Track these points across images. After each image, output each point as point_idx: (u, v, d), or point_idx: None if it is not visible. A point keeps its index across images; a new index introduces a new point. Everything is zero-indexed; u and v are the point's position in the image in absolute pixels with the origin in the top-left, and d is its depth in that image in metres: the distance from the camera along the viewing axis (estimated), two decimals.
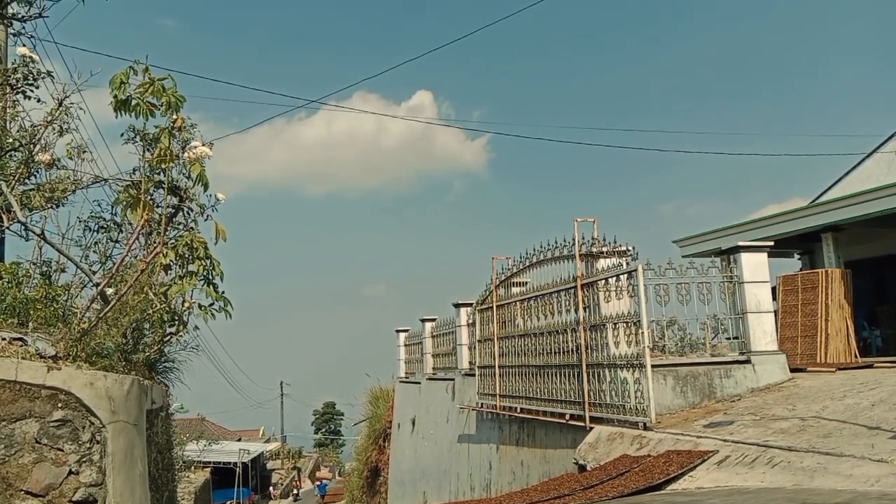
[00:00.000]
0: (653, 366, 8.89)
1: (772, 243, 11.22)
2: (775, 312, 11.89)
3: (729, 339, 10.55)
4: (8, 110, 5.95)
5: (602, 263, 10.12)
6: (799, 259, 18.87)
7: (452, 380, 16.68)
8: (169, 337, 5.85)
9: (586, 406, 9.83)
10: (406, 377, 21.48)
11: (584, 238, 10.42)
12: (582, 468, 8.94)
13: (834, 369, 11.44)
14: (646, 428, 8.62)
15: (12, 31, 7.13)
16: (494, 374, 13.21)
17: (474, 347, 14.79)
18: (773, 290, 11.83)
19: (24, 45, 6.67)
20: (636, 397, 8.90)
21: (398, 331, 22.36)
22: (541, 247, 11.75)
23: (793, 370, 10.63)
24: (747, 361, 10.05)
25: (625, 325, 9.30)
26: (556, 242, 11.24)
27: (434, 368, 18.90)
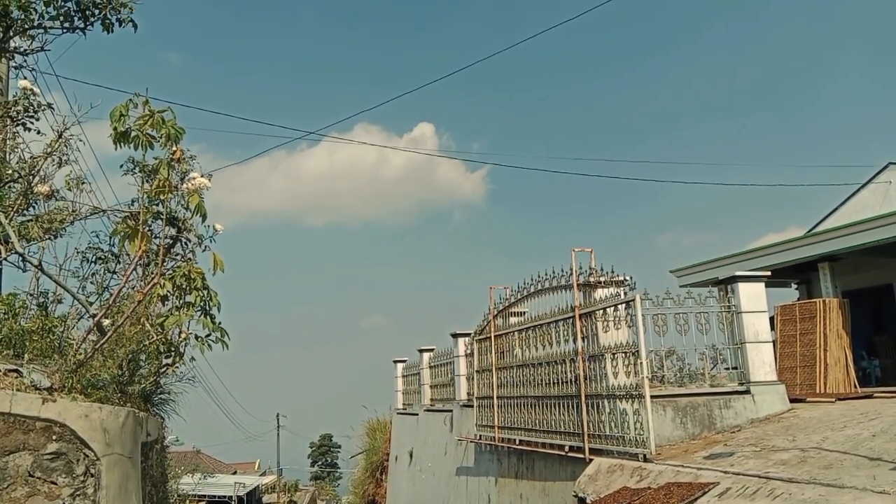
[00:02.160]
0: (652, 396, 8.85)
1: (769, 273, 11.24)
2: (774, 342, 11.86)
3: (728, 369, 10.52)
4: (8, 142, 5.98)
5: (600, 293, 10.12)
6: (796, 289, 18.87)
7: (450, 411, 16.56)
8: (165, 368, 5.81)
9: (586, 437, 9.75)
10: (403, 408, 21.32)
11: (581, 268, 10.44)
12: (582, 501, 8.84)
13: (833, 399, 11.38)
14: (646, 459, 8.55)
15: (14, 64, 7.19)
16: (493, 406, 13.12)
17: (472, 378, 14.71)
18: (771, 319, 11.82)
19: (25, 78, 6.73)
20: (636, 428, 8.84)
21: (396, 361, 22.26)
22: (538, 276, 11.76)
23: (792, 400, 10.58)
24: (747, 392, 10.01)
25: (623, 355, 9.28)
26: (553, 272, 11.26)
27: (432, 399, 18.77)
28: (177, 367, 5.87)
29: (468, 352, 15.58)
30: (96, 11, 6.83)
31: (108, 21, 6.89)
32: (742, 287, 10.35)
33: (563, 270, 10.96)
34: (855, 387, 12.68)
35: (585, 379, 9.98)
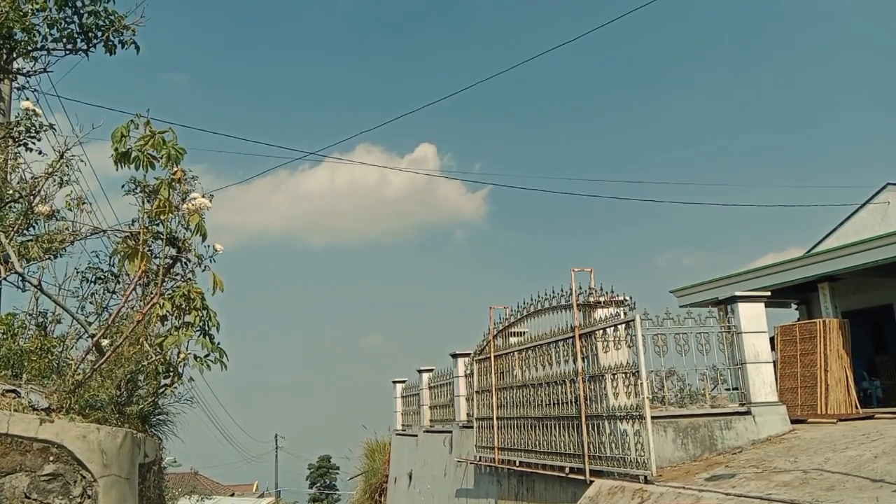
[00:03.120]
0: (653, 417, 8.80)
1: (769, 293, 11.23)
2: (774, 363, 11.83)
3: (728, 389, 10.48)
4: (9, 162, 6.01)
5: (599, 313, 10.10)
6: (796, 309, 18.85)
7: (450, 432, 16.46)
8: (163, 389, 5.78)
9: (586, 459, 9.69)
10: (403, 429, 21.20)
11: (581, 287, 10.44)
12: None
13: (835, 420, 11.33)
14: (647, 481, 8.48)
15: (17, 85, 7.24)
16: (493, 427, 13.05)
17: (472, 399, 14.64)
18: (772, 340, 11.80)
19: (27, 99, 6.78)
20: (636, 450, 8.79)
21: (395, 382, 22.15)
22: (538, 296, 11.75)
23: (793, 421, 10.53)
24: (747, 413, 9.96)
25: (623, 375, 9.24)
26: (553, 292, 11.25)
27: (431, 420, 18.66)
28: (175, 388, 5.85)
29: (468, 372, 15.52)
30: (99, 33, 6.89)
31: (110, 43, 6.95)
32: (742, 307, 10.34)
33: (562, 290, 10.96)
34: (856, 407, 12.63)
35: (586, 400, 9.94)
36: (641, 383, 8.83)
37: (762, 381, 10.14)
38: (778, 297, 15.81)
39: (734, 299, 10.48)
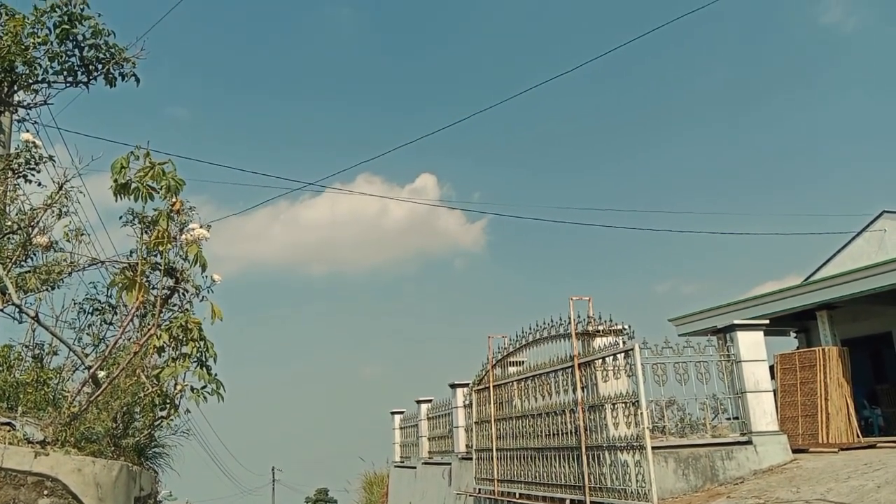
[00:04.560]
0: (653, 448, 8.73)
1: (767, 321, 11.22)
2: (774, 392, 11.77)
3: (729, 419, 10.41)
4: (8, 194, 6.02)
5: (598, 342, 10.07)
6: (795, 337, 18.82)
7: (449, 464, 16.30)
8: (160, 421, 5.74)
9: (586, 490, 9.59)
10: (401, 461, 20.99)
11: (579, 316, 10.42)
12: None
13: (836, 450, 11.24)
14: None
15: (17, 117, 7.29)
16: (492, 458, 12.93)
17: (471, 429, 14.53)
18: (771, 368, 11.75)
19: (27, 131, 6.82)
20: (637, 481, 8.70)
21: (393, 413, 21.98)
22: (537, 325, 11.72)
23: (795, 451, 10.44)
24: (748, 442, 9.88)
25: (623, 405, 9.19)
26: (552, 321, 11.22)
27: (430, 452, 18.48)
28: (171, 420, 5.81)
29: (467, 402, 15.41)
30: (99, 66, 6.96)
31: (110, 75, 7.02)
32: (741, 335, 10.32)
33: (561, 319, 10.93)
34: (858, 437, 12.55)
35: (585, 430, 9.86)
36: (641, 413, 8.77)
37: (763, 411, 10.08)
38: (776, 325, 15.79)
39: (733, 328, 10.46)
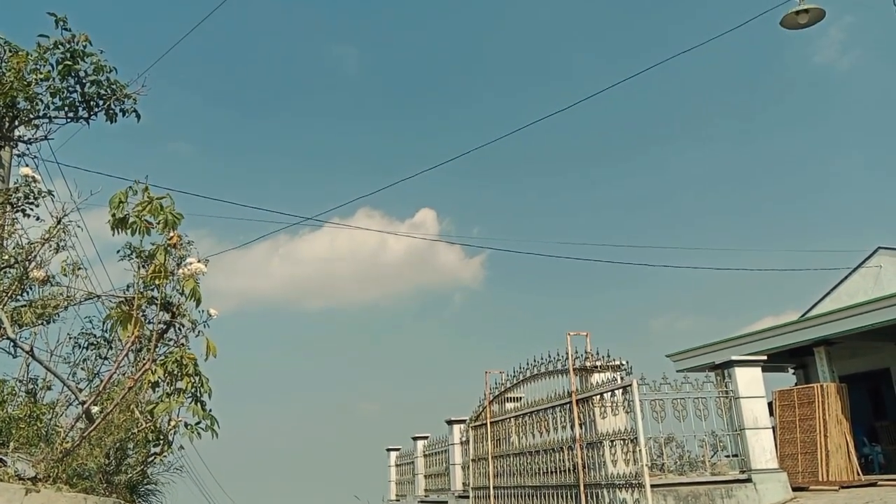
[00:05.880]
0: (652, 486, 8.64)
1: (765, 357, 11.19)
2: (773, 428, 11.69)
3: (728, 456, 10.31)
4: (6, 228, 6.03)
5: (596, 378, 10.02)
6: (793, 373, 18.75)
7: (445, 502, 16.07)
8: (153, 457, 5.67)
9: None
10: (396, 499, 20.69)
11: (577, 352, 10.39)
12: None
13: (837, 488, 11.12)
14: None
15: (17, 152, 7.33)
16: (489, 496, 12.76)
17: (468, 467, 14.36)
18: (770, 405, 11.68)
19: (27, 166, 6.85)
20: None
21: (389, 449, 21.73)
22: (535, 361, 11.68)
23: (795, 489, 10.33)
24: (748, 480, 9.78)
25: (622, 442, 9.11)
26: (549, 356, 11.18)
27: (426, 490, 18.23)
28: (165, 456, 5.74)
29: (463, 439, 15.26)
30: (100, 102, 7.02)
31: (111, 111, 7.08)
32: (739, 371, 10.27)
33: (559, 354, 10.89)
34: (858, 474, 12.42)
35: (584, 468, 9.76)
36: (640, 450, 8.69)
37: (762, 448, 9.99)
38: (774, 361, 15.74)
39: (731, 363, 10.42)
